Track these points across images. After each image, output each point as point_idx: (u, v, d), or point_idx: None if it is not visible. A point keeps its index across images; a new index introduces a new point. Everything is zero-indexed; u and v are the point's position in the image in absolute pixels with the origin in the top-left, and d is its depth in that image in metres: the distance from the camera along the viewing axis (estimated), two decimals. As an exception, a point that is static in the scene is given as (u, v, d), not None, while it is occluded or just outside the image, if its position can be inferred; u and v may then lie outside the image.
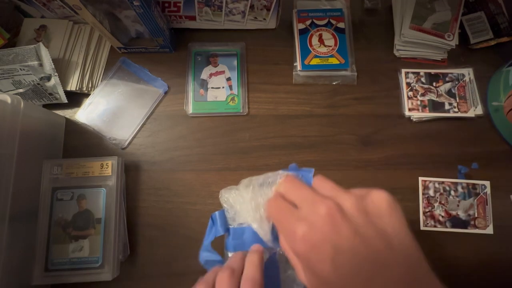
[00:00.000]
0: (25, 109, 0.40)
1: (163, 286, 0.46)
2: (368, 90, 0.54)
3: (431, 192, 0.49)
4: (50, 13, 0.52)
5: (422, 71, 0.55)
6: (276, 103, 0.53)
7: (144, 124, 0.52)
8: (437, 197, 0.49)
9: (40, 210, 0.42)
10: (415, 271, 0.21)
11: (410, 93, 0.53)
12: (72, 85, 0.51)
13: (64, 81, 0.50)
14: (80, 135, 0.51)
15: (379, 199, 0.23)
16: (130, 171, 0.49)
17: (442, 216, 0.49)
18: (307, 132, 0.52)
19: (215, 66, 0.54)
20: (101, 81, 0.53)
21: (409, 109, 0.53)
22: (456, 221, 0.48)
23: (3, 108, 0.38)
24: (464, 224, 0.48)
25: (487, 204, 0.49)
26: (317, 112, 0.53)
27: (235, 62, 0.54)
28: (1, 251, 0.36)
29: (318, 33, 0.55)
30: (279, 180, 0.30)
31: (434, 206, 0.49)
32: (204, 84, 0.53)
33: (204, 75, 0.54)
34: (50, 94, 0.49)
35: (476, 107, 0.52)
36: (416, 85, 0.54)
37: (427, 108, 0.53)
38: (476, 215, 0.48)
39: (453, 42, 0.53)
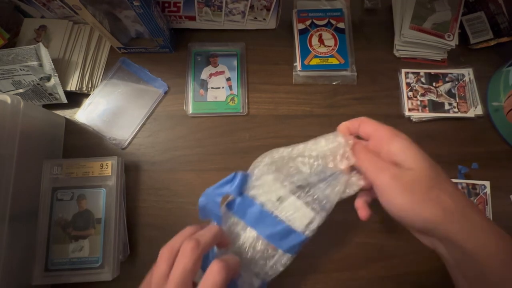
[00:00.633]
0: (25, 109, 0.40)
1: (163, 286, 0.45)
2: (368, 90, 0.54)
3: (431, 192, 0.49)
4: (50, 13, 0.52)
5: (422, 71, 0.55)
6: (276, 103, 0.53)
7: (144, 124, 0.52)
8: (437, 197, 0.49)
9: (40, 210, 0.42)
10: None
11: (410, 93, 0.53)
12: (72, 85, 0.51)
13: (64, 81, 0.50)
14: (80, 135, 0.51)
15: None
16: (130, 171, 0.49)
17: (442, 216, 0.49)
18: (307, 132, 0.52)
19: (215, 66, 0.54)
20: (101, 81, 0.53)
21: (409, 109, 0.53)
22: (456, 221, 0.48)
23: (3, 108, 0.38)
24: (464, 224, 0.48)
25: (487, 204, 0.49)
26: (317, 112, 0.53)
27: (235, 62, 0.54)
28: (1, 251, 0.36)
29: (318, 33, 0.55)
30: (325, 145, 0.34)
31: (434, 206, 0.49)
32: (204, 84, 0.53)
33: (204, 75, 0.54)
34: (50, 94, 0.49)
35: (476, 107, 0.52)
36: (416, 85, 0.54)
37: (427, 108, 0.53)
38: (476, 215, 0.48)
39: (453, 42, 0.53)
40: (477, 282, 0.28)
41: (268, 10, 0.51)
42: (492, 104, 0.53)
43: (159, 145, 0.51)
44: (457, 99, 0.53)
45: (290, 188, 0.34)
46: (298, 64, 0.54)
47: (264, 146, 0.51)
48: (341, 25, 0.55)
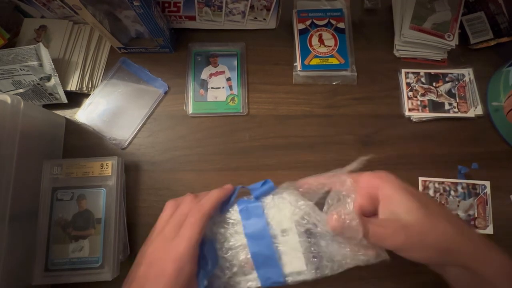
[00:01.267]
0: (25, 109, 0.40)
1: (163, 286, 0.45)
2: (368, 90, 0.54)
3: (431, 192, 0.49)
4: (50, 13, 0.52)
5: (422, 71, 0.55)
6: (276, 103, 0.53)
7: (144, 124, 0.52)
8: (437, 197, 0.49)
9: (40, 210, 0.42)
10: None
11: (410, 93, 0.53)
12: (72, 85, 0.51)
13: (64, 81, 0.50)
14: (80, 135, 0.51)
15: None
16: (130, 171, 0.49)
17: (442, 216, 0.49)
18: (307, 132, 0.52)
19: (215, 66, 0.54)
20: (101, 81, 0.53)
21: (409, 109, 0.53)
22: (456, 221, 0.48)
23: (3, 108, 0.38)
24: (464, 224, 0.48)
25: (487, 204, 0.49)
26: (317, 112, 0.53)
27: (235, 62, 0.54)
28: (1, 251, 0.36)
29: (318, 33, 0.55)
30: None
31: (434, 206, 0.49)
32: (204, 84, 0.53)
33: (204, 75, 0.54)
34: (50, 94, 0.49)
35: (476, 107, 0.52)
36: (416, 85, 0.54)
37: (427, 108, 0.53)
38: (476, 215, 0.48)
39: (453, 42, 0.53)
40: None
41: (268, 10, 0.51)
42: (492, 104, 0.53)
43: (159, 145, 0.51)
44: (457, 99, 0.53)
45: (299, 228, 0.33)
46: (298, 64, 0.54)
47: (264, 146, 0.51)
48: (341, 25, 0.55)
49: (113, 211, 0.43)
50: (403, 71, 0.55)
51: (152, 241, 0.34)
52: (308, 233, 0.33)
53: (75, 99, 0.52)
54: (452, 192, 0.49)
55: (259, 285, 0.33)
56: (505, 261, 0.29)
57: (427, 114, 0.52)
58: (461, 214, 0.49)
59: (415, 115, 0.52)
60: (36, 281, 0.40)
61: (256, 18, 0.53)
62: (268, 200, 0.35)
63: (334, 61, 0.54)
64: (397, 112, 0.53)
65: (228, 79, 0.53)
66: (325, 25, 0.55)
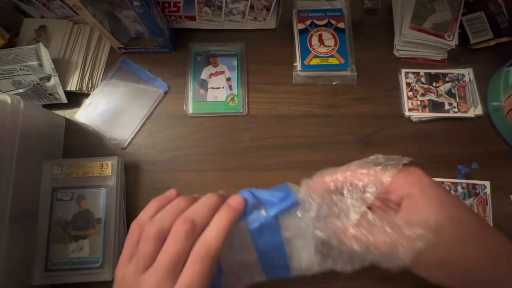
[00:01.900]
0: (25, 109, 0.40)
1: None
2: (368, 90, 0.54)
3: (431, 192, 0.49)
4: (50, 13, 0.52)
5: (422, 71, 0.55)
6: (276, 103, 0.53)
7: (144, 124, 0.52)
8: (437, 197, 0.49)
9: (40, 210, 0.42)
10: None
11: (410, 93, 0.53)
12: (72, 85, 0.51)
13: (64, 81, 0.50)
14: (80, 135, 0.51)
15: None
16: (130, 171, 0.49)
17: (442, 216, 0.49)
18: (307, 132, 0.52)
19: (215, 66, 0.54)
20: (101, 81, 0.53)
21: (409, 109, 0.53)
22: (456, 221, 0.48)
23: (3, 108, 0.38)
24: (464, 224, 0.48)
25: (487, 204, 0.49)
26: (317, 112, 0.53)
27: (235, 62, 0.54)
28: (1, 251, 0.36)
29: (318, 33, 0.55)
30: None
31: (434, 206, 0.49)
32: (204, 84, 0.53)
33: (204, 75, 0.54)
34: (50, 94, 0.49)
35: (476, 107, 0.52)
36: (416, 85, 0.54)
37: (427, 108, 0.53)
38: (476, 215, 0.48)
39: (453, 42, 0.53)
40: None
41: (268, 10, 0.51)
42: (492, 104, 0.53)
43: (159, 145, 0.51)
44: (457, 99, 0.53)
45: (317, 245, 0.29)
46: (298, 64, 0.54)
47: (264, 146, 0.51)
48: (341, 25, 0.55)
49: (113, 211, 0.43)
50: (403, 71, 0.55)
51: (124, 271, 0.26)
52: (327, 247, 0.30)
53: (75, 99, 0.52)
54: (452, 192, 0.49)
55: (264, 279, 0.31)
56: None
57: (427, 114, 0.52)
58: (461, 214, 0.48)
59: (415, 115, 0.52)
60: (36, 281, 0.40)
61: (256, 18, 0.53)
62: (287, 217, 0.29)
63: (334, 61, 0.54)
64: (397, 112, 0.53)
65: (228, 79, 0.53)
66: (325, 25, 0.55)
